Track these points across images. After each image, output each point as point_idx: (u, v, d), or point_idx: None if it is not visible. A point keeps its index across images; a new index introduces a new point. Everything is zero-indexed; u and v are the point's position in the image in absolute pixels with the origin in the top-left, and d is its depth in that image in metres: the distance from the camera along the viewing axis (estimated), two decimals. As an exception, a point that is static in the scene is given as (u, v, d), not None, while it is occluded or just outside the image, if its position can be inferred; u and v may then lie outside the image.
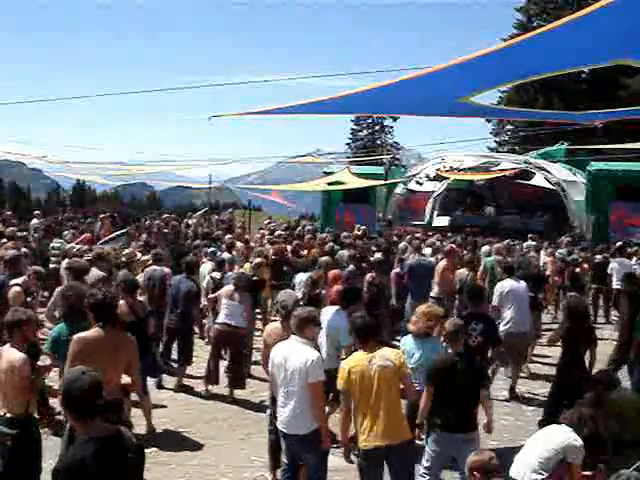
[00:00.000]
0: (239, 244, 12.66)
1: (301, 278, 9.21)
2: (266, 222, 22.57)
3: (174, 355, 8.63)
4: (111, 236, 12.38)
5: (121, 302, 6.84)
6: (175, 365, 8.62)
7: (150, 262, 9.36)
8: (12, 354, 4.52)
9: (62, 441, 4.87)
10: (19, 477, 4.42)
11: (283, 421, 4.78)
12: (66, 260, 9.50)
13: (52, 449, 5.13)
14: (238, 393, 7.99)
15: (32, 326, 4.73)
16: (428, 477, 5.07)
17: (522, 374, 9.04)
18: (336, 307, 6.73)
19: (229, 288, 8.18)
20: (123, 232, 12.33)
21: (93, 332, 4.87)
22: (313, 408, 4.66)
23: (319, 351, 5.91)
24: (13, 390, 4.49)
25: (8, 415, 4.50)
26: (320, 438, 4.68)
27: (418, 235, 17.93)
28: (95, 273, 7.91)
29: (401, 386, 4.74)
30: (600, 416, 4.58)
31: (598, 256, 14.18)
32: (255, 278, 9.21)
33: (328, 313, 6.60)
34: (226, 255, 10.78)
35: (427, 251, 12.50)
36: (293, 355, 4.72)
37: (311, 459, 4.80)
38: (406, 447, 4.67)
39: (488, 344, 7.03)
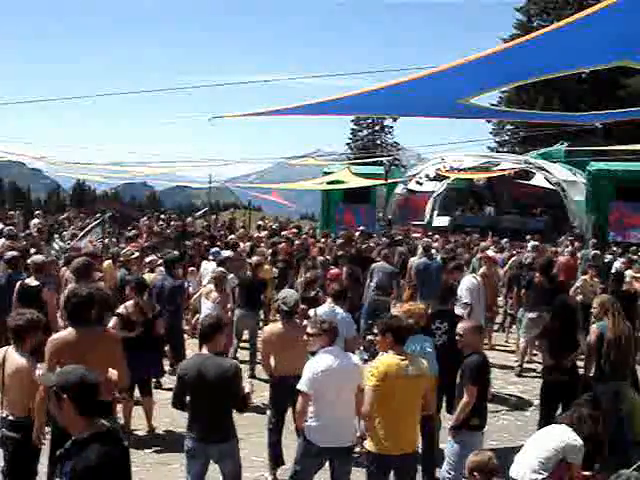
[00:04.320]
0: (242, 244, 12.68)
1: (299, 281, 9.24)
2: (261, 223, 22.34)
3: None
4: (87, 229, 12.24)
5: (129, 302, 6.87)
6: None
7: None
8: (18, 357, 4.49)
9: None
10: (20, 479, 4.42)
11: (331, 435, 4.62)
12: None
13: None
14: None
15: (38, 331, 4.70)
16: None
17: (525, 374, 9.12)
18: (333, 302, 6.60)
19: (209, 287, 8.18)
20: (97, 223, 12.16)
21: (66, 332, 4.85)
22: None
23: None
24: (18, 393, 4.47)
25: (10, 418, 4.49)
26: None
27: (417, 235, 17.98)
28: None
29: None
30: (599, 416, 4.58)
31: (608, 256, 14.21)
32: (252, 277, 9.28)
33: (332, 307, 6.51)
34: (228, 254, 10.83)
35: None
36: (340, 365, 4.61)
37: (350, 466, 4.81)
38: (416, 457, 4.71)
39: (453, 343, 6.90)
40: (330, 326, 4.83)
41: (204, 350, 4.66)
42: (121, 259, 9.51)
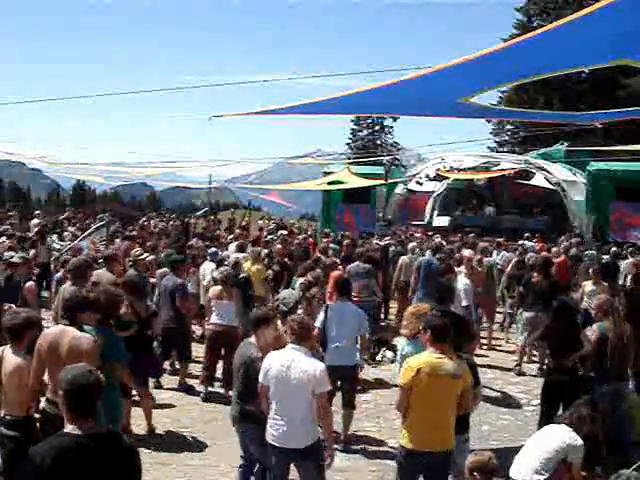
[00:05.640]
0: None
1: (300, 281, 9.18)
2: (262, 222, 22.37)
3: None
4: (90, 229, 12.29)
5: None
6: (176, 364, 8.65)
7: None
8: (15, 357, 4.48)
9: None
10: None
11: (279, 435, 4.53)
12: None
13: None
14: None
15: (35, 330, 4.68)
16: None
17: (525, 374, 9.17)
18: (347, 299, 6.73)
19: (217, 288, 8.20)
20: (102, 224, 12.21)
21: (54, 329, 4.79)
22: (323, 419, 4.58)
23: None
24: (16, 392, 4.46)
25: (8, 417, 4.48)
26: (320, 449, 4.63)
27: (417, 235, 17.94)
28: (108, 276, 7.85)
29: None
30: (597, 416, 4.58)
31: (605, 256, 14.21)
32: (242, 275, 9.30)
33: (346, 306, 6.58)
34: (239, 255, 10.86)
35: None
36: (296, 365, 4.48)
37: (311, 471, 4.65)
38: (448, 456, 4.63)
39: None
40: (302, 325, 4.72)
41: (252, 339, 5.01)
42: (131, 259, 9.50)
